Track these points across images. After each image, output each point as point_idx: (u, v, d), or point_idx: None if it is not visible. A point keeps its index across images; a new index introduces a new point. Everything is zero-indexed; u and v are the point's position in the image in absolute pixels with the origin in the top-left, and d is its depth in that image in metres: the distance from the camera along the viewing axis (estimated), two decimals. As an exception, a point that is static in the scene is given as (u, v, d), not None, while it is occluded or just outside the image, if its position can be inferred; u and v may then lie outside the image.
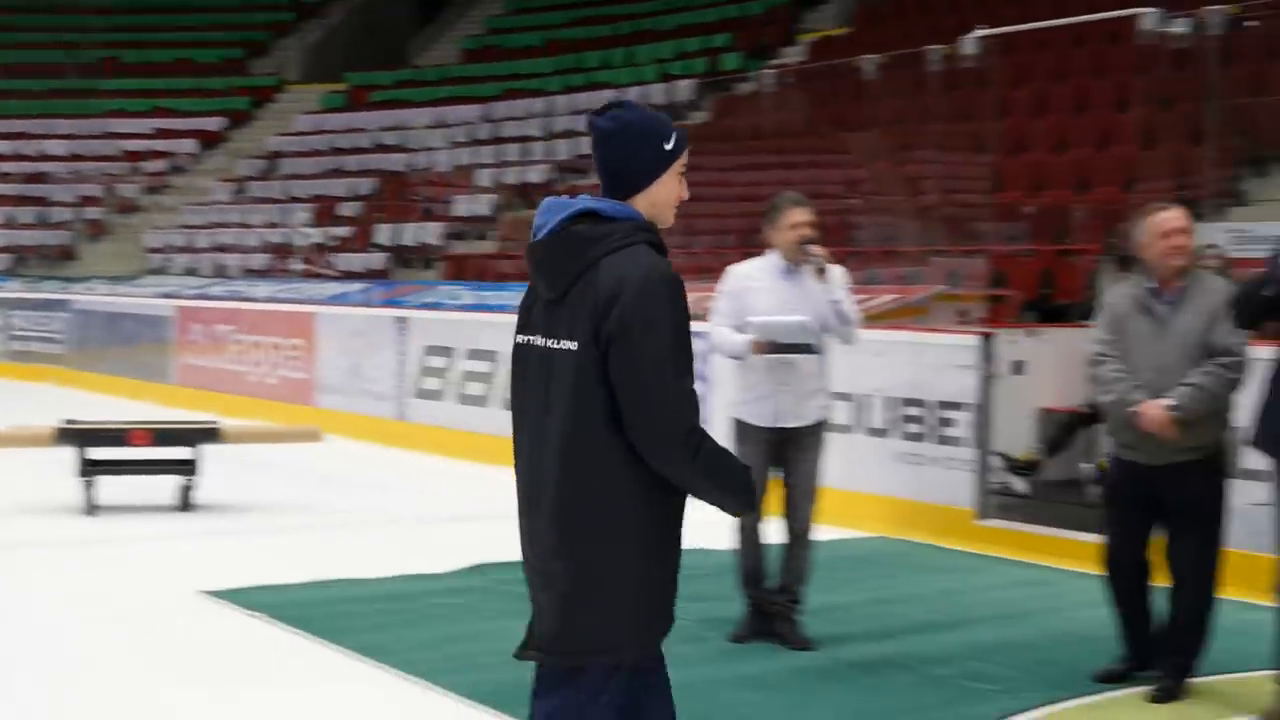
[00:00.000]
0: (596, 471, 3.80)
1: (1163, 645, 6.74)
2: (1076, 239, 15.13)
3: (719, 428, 7.47)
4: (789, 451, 7.59)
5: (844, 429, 11.25)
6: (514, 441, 4.04)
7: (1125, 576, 6.81)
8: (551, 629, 3.88)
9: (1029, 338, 11.10)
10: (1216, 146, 15.29)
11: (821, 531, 10.28)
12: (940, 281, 14.07)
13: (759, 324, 7.40)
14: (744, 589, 7.68)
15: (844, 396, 11.28)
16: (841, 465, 11.14)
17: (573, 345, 3.83)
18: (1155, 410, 6.44)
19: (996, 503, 10.69)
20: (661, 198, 3.97)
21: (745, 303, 7.54)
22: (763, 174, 19.33)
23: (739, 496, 3.91)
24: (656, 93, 25.36)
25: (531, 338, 3.99)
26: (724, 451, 3.87)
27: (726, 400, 7.91)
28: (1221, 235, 14.03)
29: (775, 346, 7.43)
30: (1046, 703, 6.62)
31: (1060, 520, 10.15)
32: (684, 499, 3.90)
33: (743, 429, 7.60)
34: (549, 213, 3.95)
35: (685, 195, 4.00)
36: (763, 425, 7.53)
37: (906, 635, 7.85)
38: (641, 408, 3.76)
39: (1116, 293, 6.85)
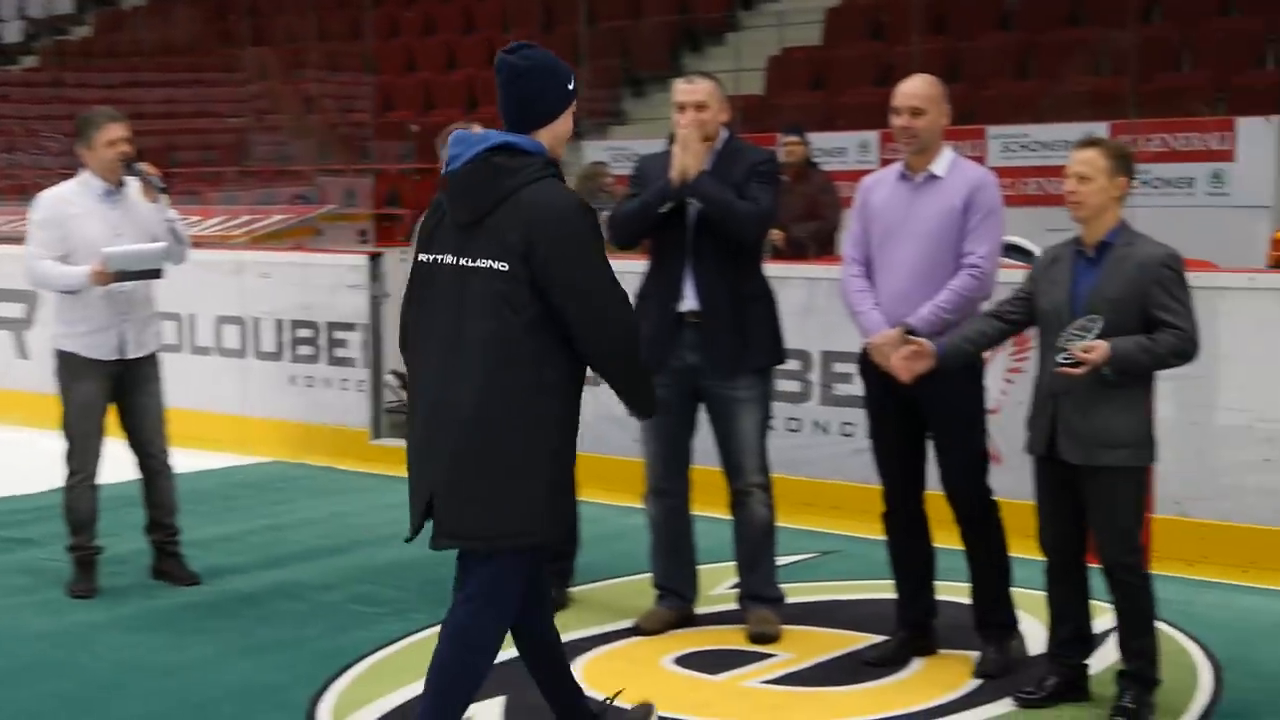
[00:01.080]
0: (519, 375, 4.22)
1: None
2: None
3: (50, 362, 6.99)
4: (130, 383, 7.03)
5: (238, 353, 10.92)
6: (412, 353, 4.41)
7: None
8: (476, 520, 4.29)
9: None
10: (596, 68, 15.67)
11: (214, 459, 9.93)
12: (334, 201, 13.83)
13: (117, 254, 6.74)
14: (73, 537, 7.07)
15: (235, 320, 10.95)
16: (234, 390, 10.83)
17: (499, 265, 4.22)
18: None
19: (391, 421, 10.61)
20: (561, 132, 4.43)
21: (68, 230, 6.85)
22: (149, 92, 18.47)
23: (648, 400, 4.54)
24: (33, 5, 23.78)
25: (439, 256, 4.35)
26: (642, 368, 4.49)
27: (51, 333, 7.12)
28: (604, 153, 14.42)
29: (121, 275, 6.79)
30: (435, 622, 6.53)
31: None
32: (580, 401, 4.37)
33: (78, 363, 6.92)
34: (462, 144, 4.34)
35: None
36: (104, 359, 6.92)
37: (298, 562, 7.65)
38: (595, 320, 4.26)
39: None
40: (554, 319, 4.27)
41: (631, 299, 4.72)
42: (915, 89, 5.72)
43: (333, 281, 10.55)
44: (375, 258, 10.56)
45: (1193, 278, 6.90)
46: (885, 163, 11.63)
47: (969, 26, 14.82)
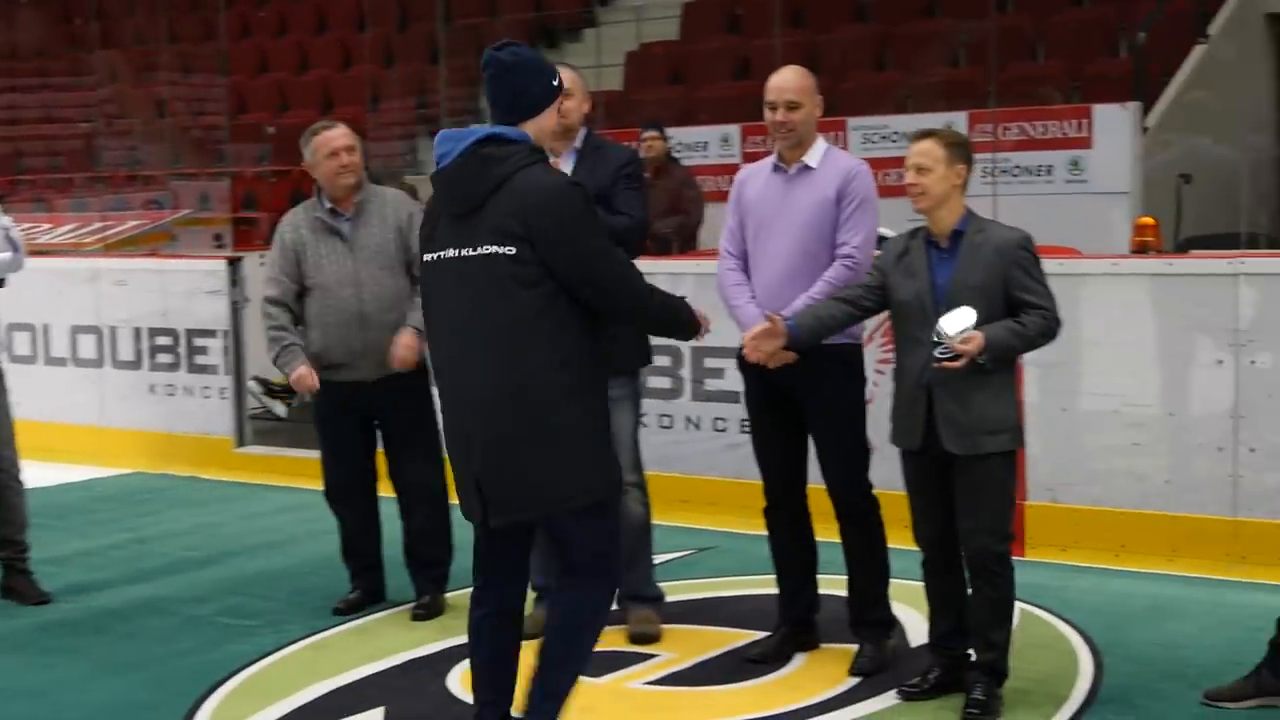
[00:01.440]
0: (536, 354, 4.37)
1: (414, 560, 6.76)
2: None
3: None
4: None
5: (95, 363, 10.65)
6: (435, 353, 4.59)
7: (343, 501, 6.77)
8: (529, 495, 4.44)
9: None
10: (453, 66, 15.51)
11: (73, 472, 9.68)
12: (189, 206, 13.56)
13: None
14: None
15: (91, 329, 10.69)
16: (92, 400, 10.57)
17: (505, 249, 4.36)
18: (407, 348, 6.37)
19: (255, 429, 10.42)
20: (546, 126, 4.59)
21: None
22: (-6, 97, 18.02)
23: (687, 324, 4.78)
24: None
25: (441, 253, 4.49)
26: (664, 292, 4.69)
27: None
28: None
29: None
30: (310, 633, 6.44)
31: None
32: (600, 370, 4.56)
33: None
34: (450, 142, 4.47)
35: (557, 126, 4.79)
36: None
37: (165, 576, 7.46)
38: (609, 288, 4.45)
39: (290, 220, 6.61)
40: (563, 294, 4.41)
41: None
42: (790, 82, 5.66)
43: (191, 287, 10.33)
44: (234, 262, 10.35)
45: (1057, 264, 7.02)
46: (749, 157, 11.67)
47: (826, 19, 14.88)
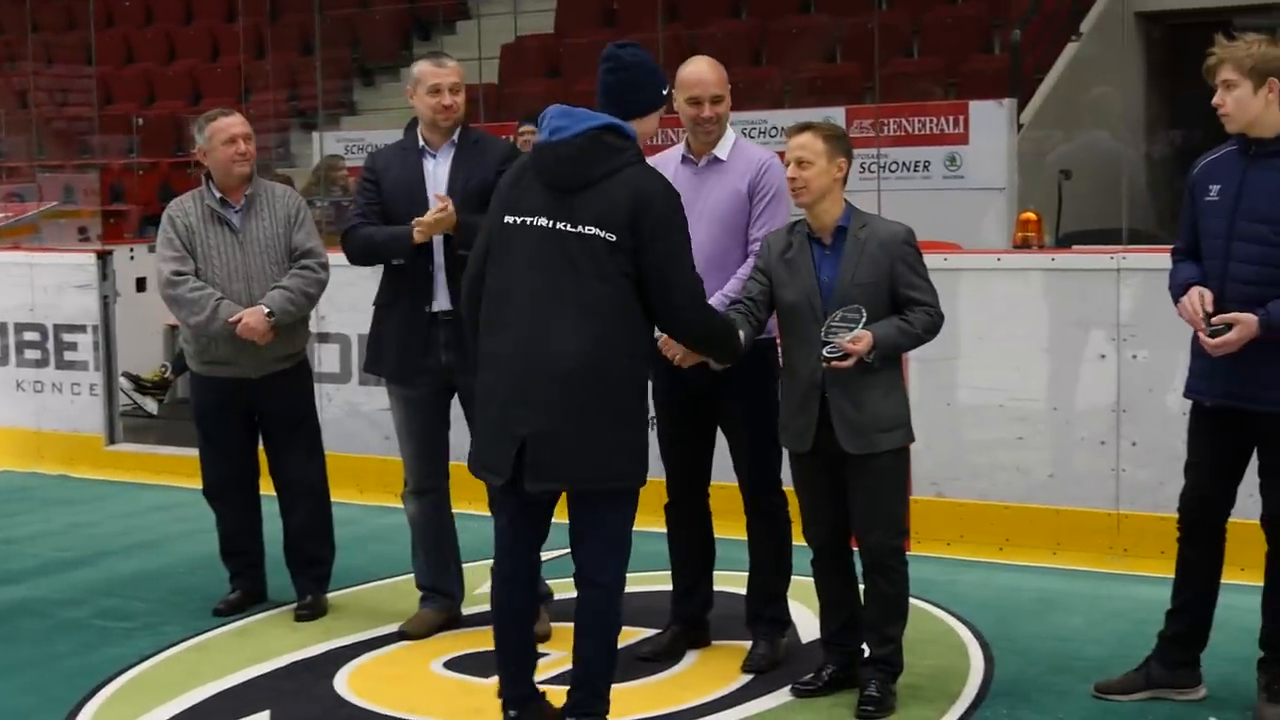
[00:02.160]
0: (625, 336, 4.62)
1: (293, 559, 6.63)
2: (191, 150, 14.71)
3: None
4: None
5: (-45, 360, 10.34)
6: (489, 307, 4.71)
7: (223, 498, 6.63)
8: (585, 464, 4.60)
9: (151, 253, 10.59)
10: (327, 58, 15.29)
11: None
12: (54, 198, 13.22)
13: None
14: None
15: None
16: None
17: (607, 235, 4.58)
18: (255, 318, 6.21)
19: (127, 425, 10.19)
20: (647, 129, 4.80)
21: None
22: None
23: (732, 348, 5.02)
24: None
25: (528, 219, 4.67)
26: (719, 312, 5.08)
27: None
28: (336, 144, 14.10)
29: None
30: (190, 635, 6.29)
31: (196, 439, 9.75)
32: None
33: None
34: (566, 119, 4.67)
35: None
36: None
37: (38, 577, 7.25)
38: (680, 290, 4.67)
39: (180, 206, 6.46)
40: (639, 289, 4.64)
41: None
42: (712, 75, 5.59)
43: (59, 281, 10.07)
44: (103, 256, 10.11)
45: (941, 259, 7.06)
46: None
47: (702, 13, 14.86)
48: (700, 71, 5.60)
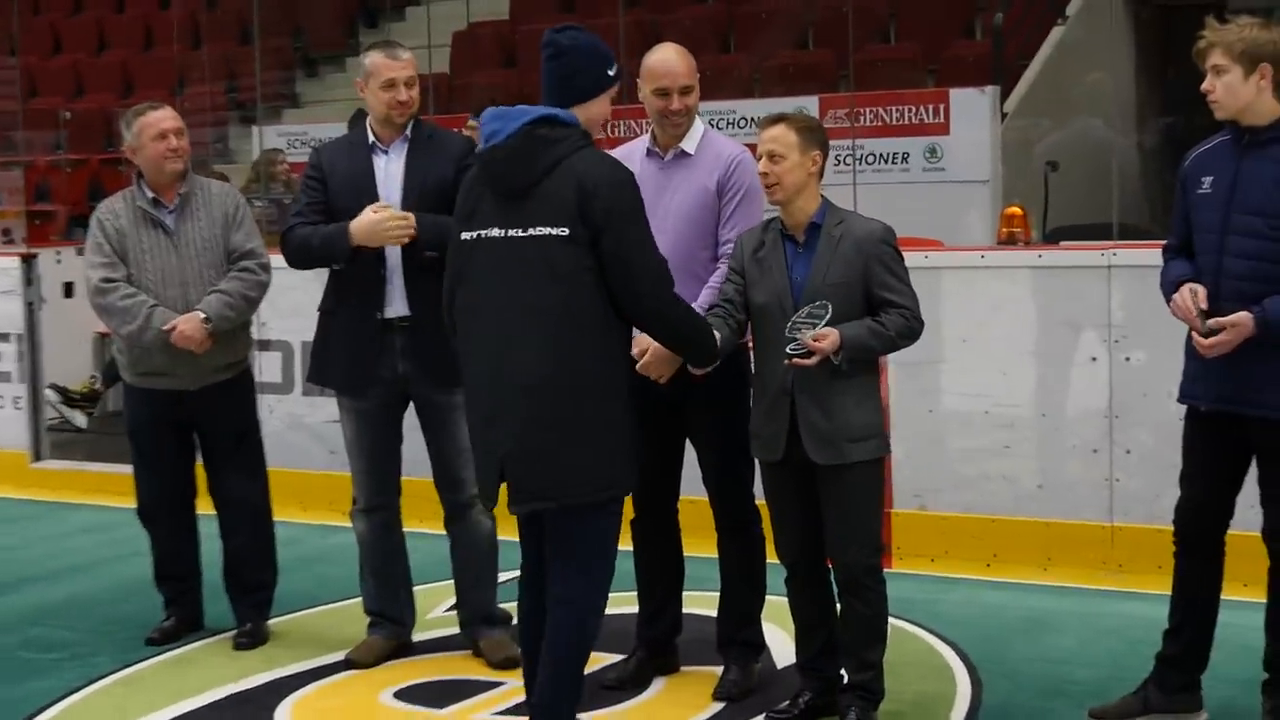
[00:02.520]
0: (586, 339, 4.61)
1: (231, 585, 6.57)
2: (121, 146, 14.63)
3: None
4: None
5: None
6: (463, 332, 4.79)
7: (157, 519, 6.57)
8: (556, 480, 4.62)
9: (79, 256, 10.50)
10: (267, 47, 15.21)
11: None
12: (-24, 198, 13.14)
13: None
14: None
15: None
16: None
17: (557, 230, 4.58)
18: (191, 325, 6.15)
19: (54, 441, 10.11)
20: (596, 113, 4.79)
21: None
22: None
23: (707, 347, 5.00)
24: None
25: (483, 231, 4.71)
26: (691, 308, 5.00)
27: None
28: (278, 138, 14.04)
29: None
30: (121, 666, 6.22)
31: (128, 455, 9.68)
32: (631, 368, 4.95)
33: None
34: (499, 121, 4.68)
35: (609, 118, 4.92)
36: None
37: (-43, 606, 7.18)
38: (641, 279, 4.65)
39: (109, 208, 6.37)
40: (605, 284, 4.63)
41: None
42: (681, 65, 5.53)
43: (-18, 287, 9.99)
44: (29, 260, 10.03)
45: (922, 256, 7.05)
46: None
47: (666, -2, 14.90)
48: (668, 60, 5.55)
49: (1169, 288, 5.00)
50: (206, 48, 15.67)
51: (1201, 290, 4.87)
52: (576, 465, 4.64)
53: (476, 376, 4.77)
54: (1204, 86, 4.92)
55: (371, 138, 6.02)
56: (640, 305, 4.71)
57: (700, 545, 5.84)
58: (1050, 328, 7.16)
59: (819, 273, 5.10)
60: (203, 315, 6.16)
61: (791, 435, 5.13)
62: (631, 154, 5.62)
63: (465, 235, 4.77)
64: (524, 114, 4.68)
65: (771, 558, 5.50)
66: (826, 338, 4.98)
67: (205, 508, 6.59)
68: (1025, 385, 7.22)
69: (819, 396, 5.07)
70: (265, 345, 8.81)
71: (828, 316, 5.01)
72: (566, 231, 4.59)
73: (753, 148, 5.30)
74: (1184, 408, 5.10)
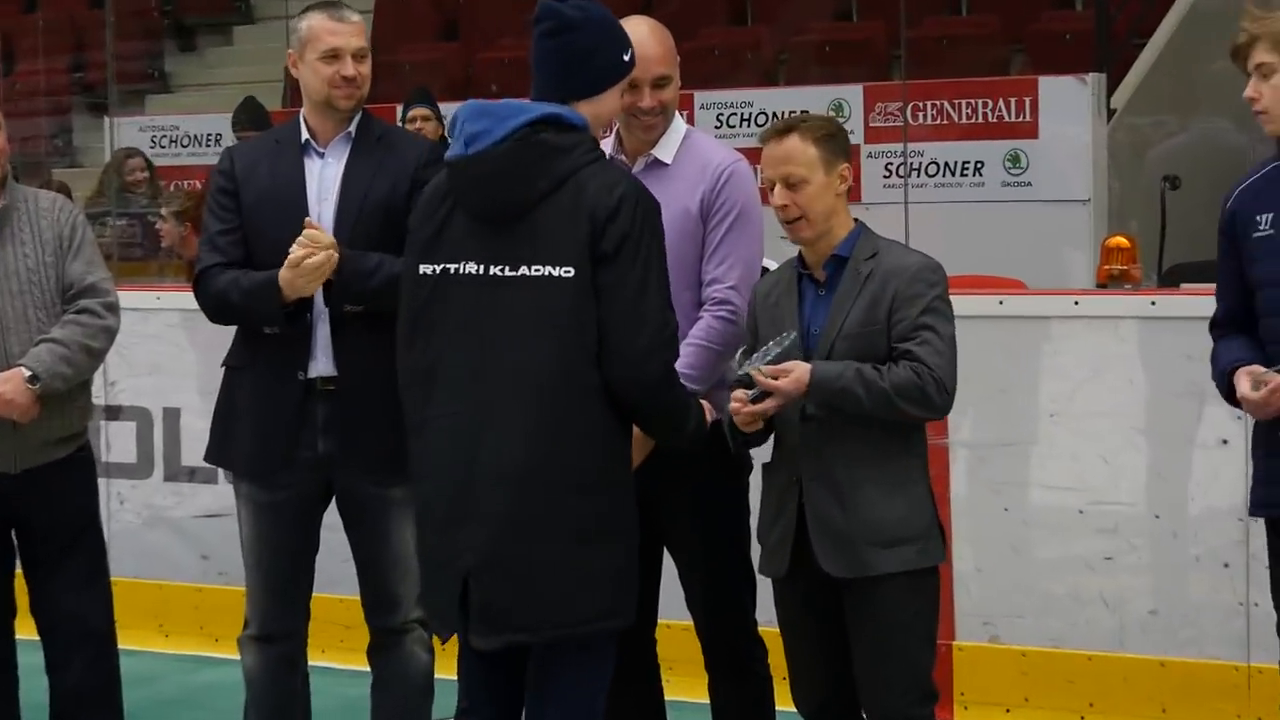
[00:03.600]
0: (586, 413, 4.64)
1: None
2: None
3: None
4: None
5: None
6: (418, 402, 4.80)
7: None
8: (543, 604, 4.64)
9: None
10: (124, 12, 15.30)
11: None
12: None
13: None
14: None
15: None
16: None
17: (560, 271, 4.60)
18: (11, 386, 6.13)
19: None
20: (606, 111, 4.88)
21: None
22: None
23: (695, 426, 4.96)
24: None
25: (454, 266, 4.71)
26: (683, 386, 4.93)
27: None
28: (139, 134, 14.06)
29: None
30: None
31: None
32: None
33: None
34: (483, 119, 4.68)
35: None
36: None
37: None
38: (649, 330, 4.65)
39: None
40: None
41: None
42: (657, 48, 5.54)
43: None
44: None
45: (995, 303, 7.06)
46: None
47: (661, -49, 14.99)
48: (638, 41, 5.49)
49: (1224, 380, 5.03)
50: (43, 11, 15.76)
51: (1259, 367, 4.93)
52: (570, 585, 4.65)
53: (436, 462, 4.75)
54: (1247, 93, 4.96)
55: (304, 134, 6.01)
56: (640, 369, 4.69)
57: (688, 686, 5.85)
58: (1167, 399, 7.17)
59: (835, 321, 5.12)
60: (27, 373, 6.17)
61: (801, 539, 5.15)
62: None
63: (426, 269, 4.77)
64: (520, 111, 4.69)
65: (784, 704, 5.52)
66: (789, 374, 5.00)
67: (27, 631, 6.58)
68: (1134, 476, 7.22)
69: (833, 483, 5.08)
70: (114, 413, 8.81)
71: (789, 342, 5.01)
72: (571, 272, 4.62)
73: (758, 158, 5.32)
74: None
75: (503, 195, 4.68)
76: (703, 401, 5.09)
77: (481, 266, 4.68)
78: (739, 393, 5.01)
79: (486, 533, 4.64)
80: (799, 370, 4.96)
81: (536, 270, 4.63)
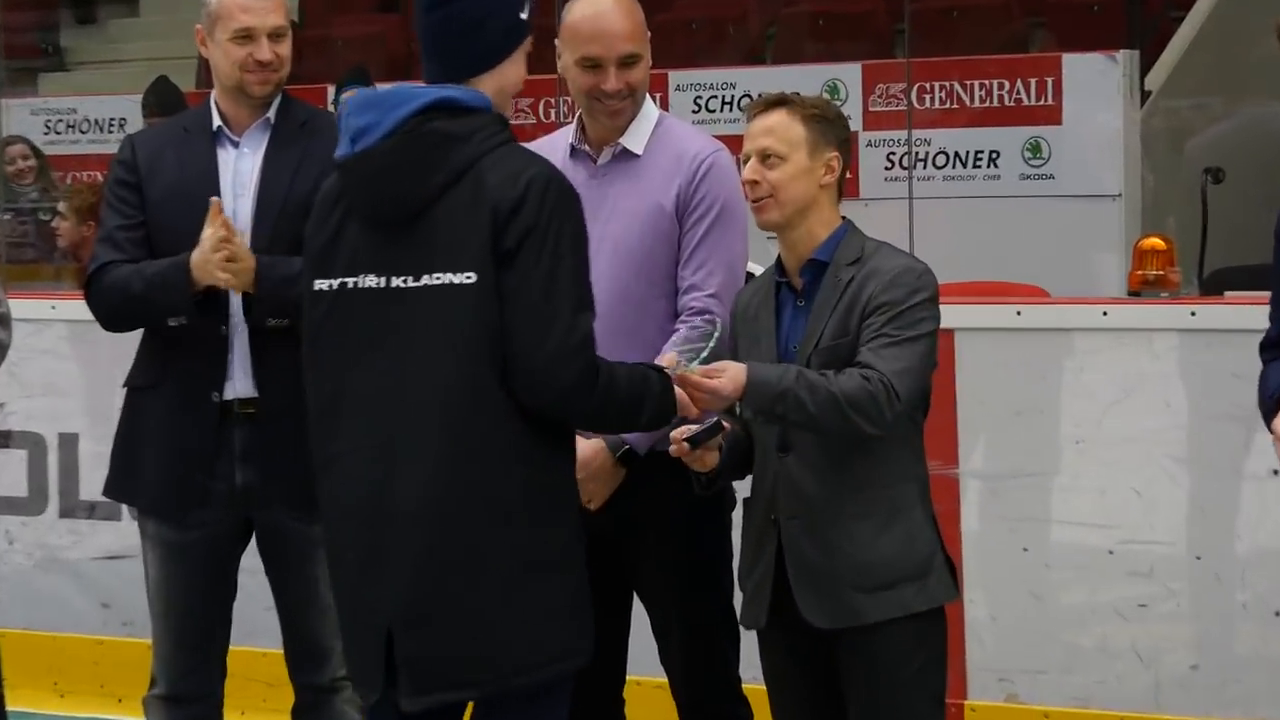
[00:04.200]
0: (498, 433, 4.64)
1: None
2: None
3: None
4: None
5: None
6: (322, 433, 4.81)
7: None
8: (475, 655, 4.64)
9: None
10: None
11: None
12: None
13: None
14: None
15: None
16: None
17: (461, 277, 4.60)
18: None
19: None
20: (511, 81, 4.87)
21: None
22: None
23: (653, 416, 4.92)
24: None
25: (351, 280, 4.72)
26: (620, 373, 4.82)
27: None
28: (30, 119, 14.04)
29: None
30: None
31: None
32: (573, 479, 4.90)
33: None
34: (372, 111, 4.69)
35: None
36: None
37: None
38: (537, 345, 4.61)
39: None
40: None
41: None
42: (622, 23, 5.58)
43: None
44: None
45: (1009, 313, 7.06)
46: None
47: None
48: (602, 14, 5.56)
49: (1271, 406, 5.05)
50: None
51: None
52: (506, 630, 4.65)
53: (345, 502, 4.76)
54: None
55: (216, 120, 6.03)
56: (532, 378, 4.66)
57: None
58: (1210, 423, 7.19)
59: (810, 337, 5.15)
60: None
61: (782, 584, 5.16)
62: (547, 155, 5.67)
63: (321, 285, 4.79)
64: (408, 98, 4.69)
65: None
66: (723, 372, 5.01)
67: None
68: (1171, 511, 7.24)
69: (812, 521, 5.10)
70: (2, 440, 8.81)
71: (713, 343, 5.04)
72: (473, 278, 4.63)
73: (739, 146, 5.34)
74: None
75: (394, 195, 4.71)
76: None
77: (381, 279, 4.71)
78: (676, 433, 5.03)
79: (406, 578, 4.67)
80: (733, 369, 4.99)
81: (437, 278, 4.66)
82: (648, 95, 5.68)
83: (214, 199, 5.80)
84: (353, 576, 4.77)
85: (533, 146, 5.68)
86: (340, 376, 4.77)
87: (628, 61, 5.56)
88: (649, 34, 5.65)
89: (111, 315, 6.04)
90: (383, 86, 4.83)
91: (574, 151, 5.69)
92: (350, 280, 4.73)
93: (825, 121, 5.21)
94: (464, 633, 4.64)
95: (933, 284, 5.17)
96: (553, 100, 10.88)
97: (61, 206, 11.75)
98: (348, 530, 4.77)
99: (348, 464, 4.75)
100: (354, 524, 4.74)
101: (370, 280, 4.71)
